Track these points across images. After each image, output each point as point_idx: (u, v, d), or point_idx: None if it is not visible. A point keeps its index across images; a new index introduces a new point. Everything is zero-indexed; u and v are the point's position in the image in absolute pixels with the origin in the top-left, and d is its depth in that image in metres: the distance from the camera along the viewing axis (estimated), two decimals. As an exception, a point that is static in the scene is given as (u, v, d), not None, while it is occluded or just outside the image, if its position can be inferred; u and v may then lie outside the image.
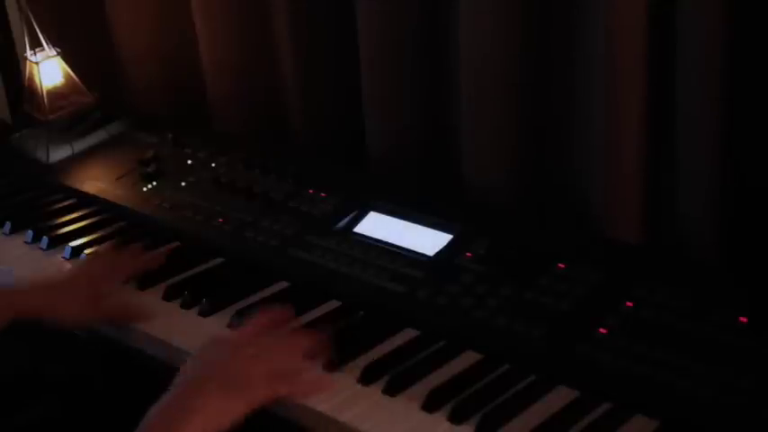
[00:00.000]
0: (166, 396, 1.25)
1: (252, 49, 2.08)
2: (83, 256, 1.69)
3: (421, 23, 1.80)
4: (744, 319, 1.29)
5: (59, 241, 1.75)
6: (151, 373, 1.49)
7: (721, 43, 1.42)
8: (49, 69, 2.04)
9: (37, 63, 2.03)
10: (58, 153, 2.04)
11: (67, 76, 2.06)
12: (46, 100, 2.03)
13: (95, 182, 1.93)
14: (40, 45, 2.03)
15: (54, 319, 1.51)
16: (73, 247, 1.72)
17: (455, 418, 1.24)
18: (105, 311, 1.53)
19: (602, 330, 1.33)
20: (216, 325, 1.48)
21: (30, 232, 1.78)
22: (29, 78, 2.06)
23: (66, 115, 2.06)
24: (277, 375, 1.30)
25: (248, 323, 1.40)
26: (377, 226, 1.63)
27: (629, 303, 1.36)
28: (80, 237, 1.77)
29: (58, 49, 2.05)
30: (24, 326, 1.51)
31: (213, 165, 1.90)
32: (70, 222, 1.83)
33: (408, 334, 1.43)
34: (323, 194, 1.73)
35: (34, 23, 2.01)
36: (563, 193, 1.72)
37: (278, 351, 1.34)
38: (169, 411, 1.24)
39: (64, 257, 1.71)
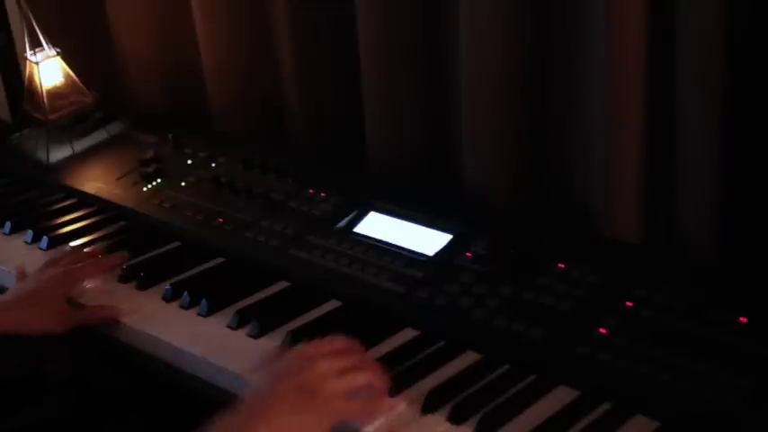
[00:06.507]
0: (235, 408, 1.19)
1: (252, 50, 2.08)
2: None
3: (421, 25, 1.80)
4: (744, 319, 1.29)
5: (59, 241, 1.75)
6: (151, 374, 1.50)
7: (721, 44, 1.42)
8: (49, 69, 2.04)
9: (37, 63, 2.03)
10: (58, 153, 2.04)
11: (67, 76, 2.06)
12: (46, 100, 2.03)
13: (95, 182, 1.93)
14: (40, 45, 2.03)
15: (28, 334, 1.49)
16: (73, 247, 1.71)
17: (455, 418, 1.24)
18: (79, 318, 1.52)
19: (602, 330, 1.33)
20: (216, 325, 1.48)
21: (30, 232, 1.78)
22: (29, 78, 2.06)
23: (67, 115, 2.06)
24: (353, 393, 1.23)
25: (319, 342, 1.29)
26: (377, 226, 1.63)
27: (629, 303, 1.36)
28: (80, 237, 1.77)
29: (58, 49, 2.05)
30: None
31: (213, 165, 1.90)
32: (70, 222, 1.83)
33: (408, 334, 1.43)
34: (323, 194, 1.73)
35: (34, 23, 2.00)
36: (563, 194, 1.72)
37: (353, 369, 1.24)
38: (237, 422, 1.17)
39: (64, 257, 1.71)
